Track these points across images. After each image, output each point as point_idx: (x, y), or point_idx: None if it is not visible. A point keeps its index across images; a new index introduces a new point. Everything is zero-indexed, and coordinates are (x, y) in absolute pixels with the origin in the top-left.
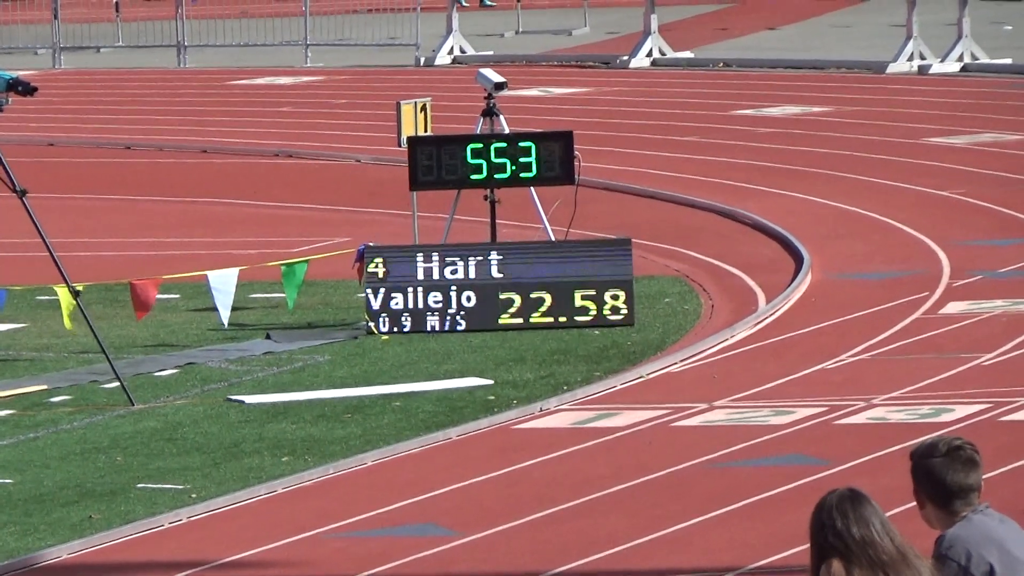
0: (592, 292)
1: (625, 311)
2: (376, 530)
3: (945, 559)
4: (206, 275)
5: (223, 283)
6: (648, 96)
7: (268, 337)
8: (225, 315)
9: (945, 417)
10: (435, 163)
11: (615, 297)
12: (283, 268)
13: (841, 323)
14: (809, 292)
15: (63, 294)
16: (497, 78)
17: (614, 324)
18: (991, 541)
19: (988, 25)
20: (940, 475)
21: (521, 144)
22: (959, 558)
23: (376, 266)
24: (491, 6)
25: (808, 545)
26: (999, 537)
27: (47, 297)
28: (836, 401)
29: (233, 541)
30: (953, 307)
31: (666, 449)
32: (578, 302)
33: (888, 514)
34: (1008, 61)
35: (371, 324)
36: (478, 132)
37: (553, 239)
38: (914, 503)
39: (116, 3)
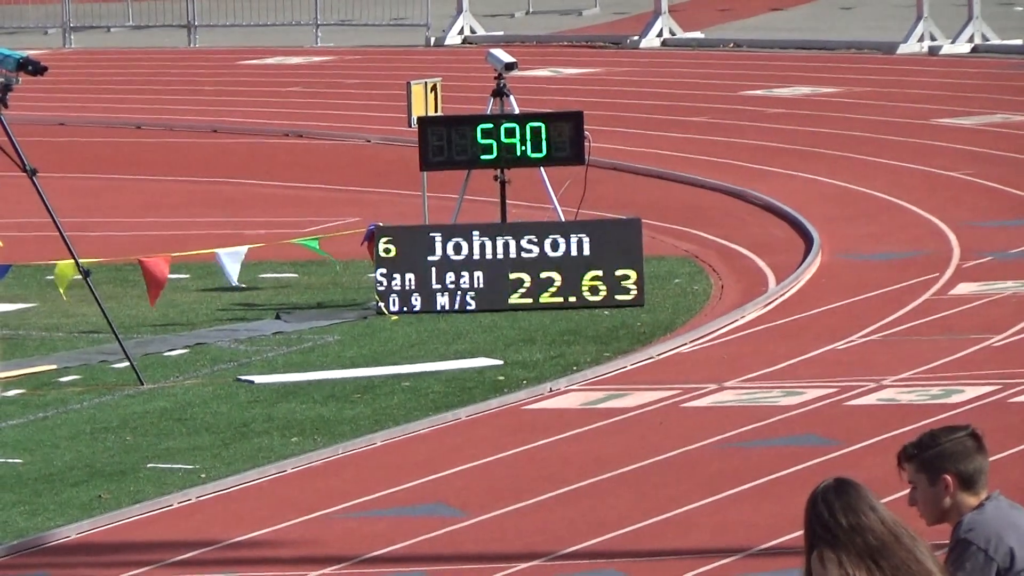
0: (602, 272)
1: (635, 291)
2: (385, 510)
3: (967, 543)
4: (216, 252)
5: (232, 256)
6: (658, 76)
7: (278, 317)
8: (234, 274)
9: (955, 398)
10: (445, 143)
11: (625, 277)
12: (317, 242)
13: (851, 304)
14: (819, 273)
15: (60, 267)
16: (507, 58)
17: (624, 305)
18: (1011, 526)
19: (999, 6)
20: (973, 453)
21: (531, 124)
22: (979, 541)
23: (387, 246)
24: None
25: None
26: (1018, 523)
27: None
28: (846, 382)
29: (242, 521)
30: (963, 288)
31: (676, 430)
32: (588, 282)
33: (897, 496)
34: (1018, 42)
35: (381, 304)
36: (488, 112)
37: (563, 219)
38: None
39: None
